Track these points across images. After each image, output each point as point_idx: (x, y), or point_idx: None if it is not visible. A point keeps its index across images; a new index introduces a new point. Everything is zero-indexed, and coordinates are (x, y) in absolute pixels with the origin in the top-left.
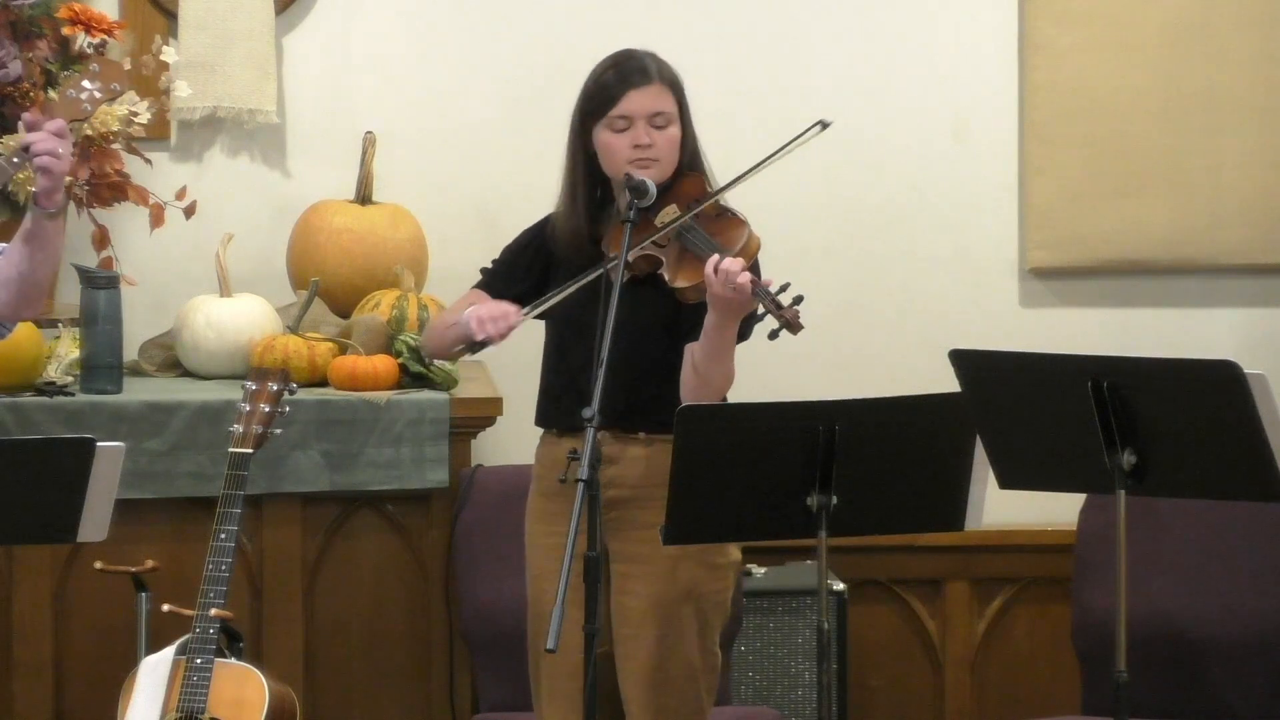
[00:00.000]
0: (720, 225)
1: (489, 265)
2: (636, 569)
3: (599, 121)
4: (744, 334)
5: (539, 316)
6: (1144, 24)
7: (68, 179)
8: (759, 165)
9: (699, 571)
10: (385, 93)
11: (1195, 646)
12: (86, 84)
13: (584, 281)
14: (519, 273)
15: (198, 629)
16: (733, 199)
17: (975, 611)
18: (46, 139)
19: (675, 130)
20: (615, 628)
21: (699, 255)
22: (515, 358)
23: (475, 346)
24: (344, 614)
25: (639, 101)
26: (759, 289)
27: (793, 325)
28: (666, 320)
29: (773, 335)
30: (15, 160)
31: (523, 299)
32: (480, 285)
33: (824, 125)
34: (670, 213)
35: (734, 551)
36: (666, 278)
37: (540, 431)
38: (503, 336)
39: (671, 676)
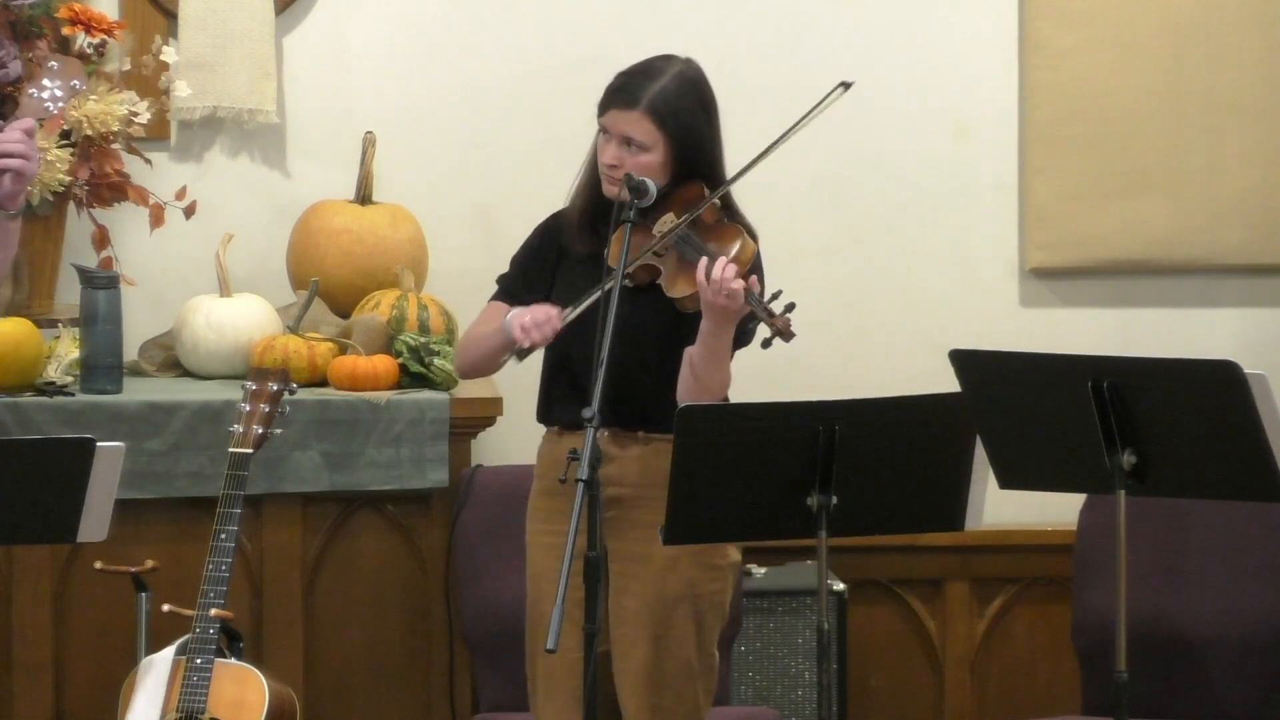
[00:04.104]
0: (716, 234)
1: (503, 274)
2: (634, 568)
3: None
4: (743, 340)
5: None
6: (1144, 24)
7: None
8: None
9: (697, 572)
10: (385, 93)
11: (1195, 646)
12: (47, 82)
13: (610, 286)
14: (535, 275)
15: (198, 629)
16: (738, 195)
17: (975, 611)
18: (18, 141)
19: (649, 159)
20: (612, 627)
21: (695, 265)
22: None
23: (523, 353)
24: (344, 614)
25: (615, 122)
26: (751, 296)
27: (784, 333)
28: (666, 326)
29: (766, 344)
30: None
31: (545, 300)
32: (499, 297)
33: (846, 86)
34: (668, 221)
35: (733, 553)
36: (664, 287)
37: (542, 430)
38: (547, 341)
39: (668, 677)
